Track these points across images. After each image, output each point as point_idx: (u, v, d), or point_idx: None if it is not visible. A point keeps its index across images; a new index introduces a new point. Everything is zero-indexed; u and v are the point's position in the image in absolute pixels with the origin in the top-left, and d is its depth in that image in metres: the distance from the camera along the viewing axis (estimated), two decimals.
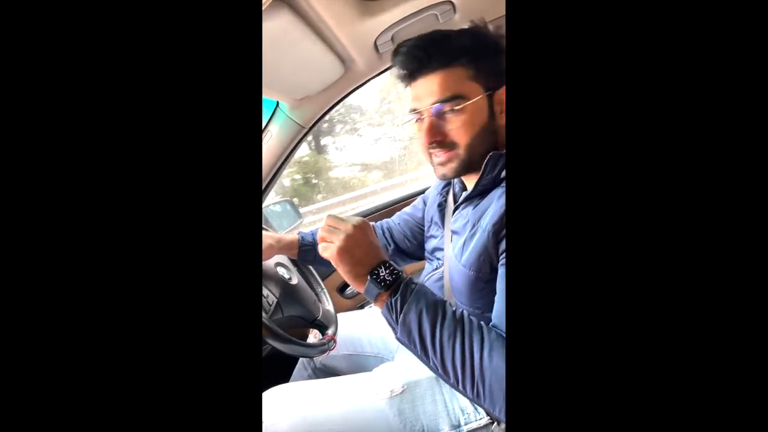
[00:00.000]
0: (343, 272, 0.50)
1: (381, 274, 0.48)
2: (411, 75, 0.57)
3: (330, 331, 0.79)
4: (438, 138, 0.56)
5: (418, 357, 0.48)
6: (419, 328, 0.47)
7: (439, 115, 0.56)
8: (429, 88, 0.55)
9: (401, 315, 0.47)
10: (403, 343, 0.49)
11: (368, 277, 0.48)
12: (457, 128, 0.55)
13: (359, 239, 0.49)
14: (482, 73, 0.55)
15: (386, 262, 0.49)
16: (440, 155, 0.58)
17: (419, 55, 0.54)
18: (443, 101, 0.54)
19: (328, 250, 0.50)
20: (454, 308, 0.49)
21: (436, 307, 0.48)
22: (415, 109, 0.57)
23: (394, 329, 0.49)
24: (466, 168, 0.58)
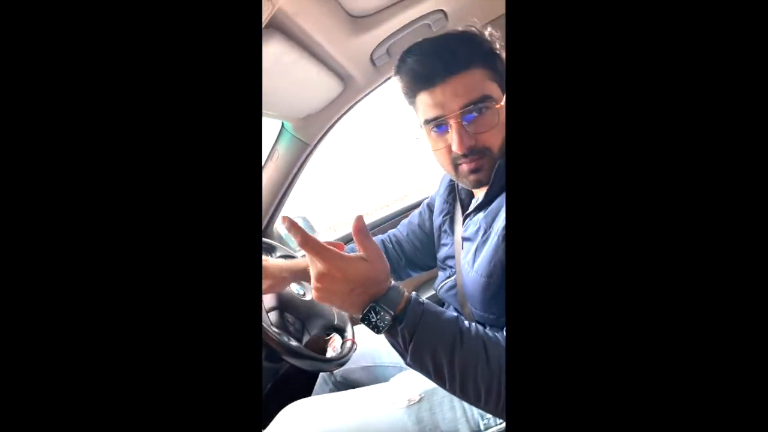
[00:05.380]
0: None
1: (372, 319, 0.42)
2: (428, 82, 0.52)
3: (348, 334, 0.78)
4: (471, 143, 0.52)
5: (432, 380, 0.44)
6: (433, 357, 0.42)
7: (469, 120, 0.52)
8: (453, 92, 0.51)
9: (410, 345, 0.42)
10: (414, 369, 0.44)
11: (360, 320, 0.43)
12: (490, 131, 0.52)
13: (335, 288, 0.42)
14: (496, 75, 0.53)
15: (374, 306, 0.42)
16: (472, 162, 0.54)
17: (434, 61, 0.51)
18: (473, 103, 0.50)
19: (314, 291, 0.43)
20: (468, 324, 0.45)
21: (451, 329, 0.43)
22: (437, 117, 0.53)
23: (402, 356, 0.44)
24: None
